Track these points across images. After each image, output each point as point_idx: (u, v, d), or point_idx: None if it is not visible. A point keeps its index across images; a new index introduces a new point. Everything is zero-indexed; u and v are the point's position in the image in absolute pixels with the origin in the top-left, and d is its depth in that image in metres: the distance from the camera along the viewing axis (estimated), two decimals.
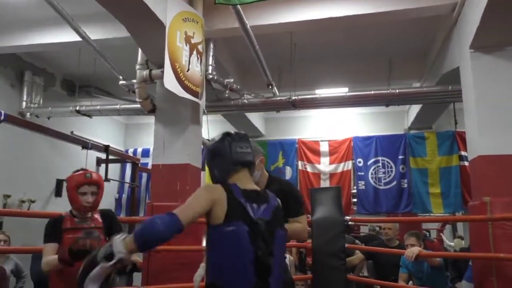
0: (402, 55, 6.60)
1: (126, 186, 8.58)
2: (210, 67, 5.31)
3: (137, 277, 4.80)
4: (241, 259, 1.70)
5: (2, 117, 5.43)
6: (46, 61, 7.08)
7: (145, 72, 4.75)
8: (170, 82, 4.02)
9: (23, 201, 6.42)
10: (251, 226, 1.73)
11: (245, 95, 6.21)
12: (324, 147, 7.73)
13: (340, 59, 6.78)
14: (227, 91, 5.70)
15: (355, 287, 4.89)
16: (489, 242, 3.61)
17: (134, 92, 5.17)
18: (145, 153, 8.88)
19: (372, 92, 6.09)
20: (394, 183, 7.01)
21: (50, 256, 2.40)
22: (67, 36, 5.32)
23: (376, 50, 6.48)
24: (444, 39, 5.20)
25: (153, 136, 4.95)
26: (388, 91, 6.01)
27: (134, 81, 5.00)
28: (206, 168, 2.17)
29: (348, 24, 5.15)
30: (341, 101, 6.35)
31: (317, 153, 7.68)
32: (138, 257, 4.64)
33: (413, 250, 3.64)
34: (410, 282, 4.13)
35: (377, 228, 7.91)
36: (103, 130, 8.79)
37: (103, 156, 7.70)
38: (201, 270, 2.47)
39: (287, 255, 5.16)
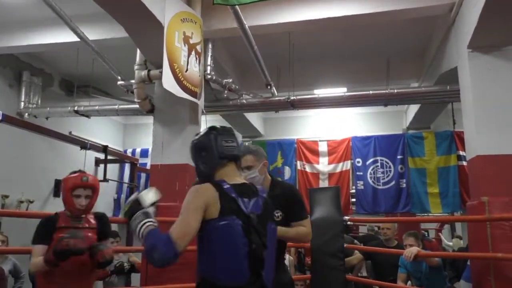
0: (400, 55, 6.61)
1: (125, 186, 8.57)
2: (209, 67, 5.31)
3: (136, 277, 4.81)
4: (235, 253, 1.69)
5: (0, 118, 5.42)
6: (44, 61, 7.07)
7: (144, 73, 4.75)
8: (168, 82, 4.02)
9: (21, 202, 6.41)
10: (244, 220, 1.73)
11: (243, 95, 6.21)
12: (322, 147, 7.73)
13: (339, 59, 6.78)
14: (226, 91, 5.69)
15: (354, 287, 4.90)
16: (487, 242, 3.61)
17: (132, 92, 5.17)
18: (144, 153, 8.87)
19: (371, 92, 6.10)
20: (393, 183, 7.02)
21: (38, 257, 2.39)
22: (65, 36, 5.32)
23: (374, 50, 6.49)
24: (442, 39, 5.21)
25: (152, 136, 4.95)
26: (387, 91, 6.02)
27: (133, 81, 5.00)
28: None
29: (346, 24, 5.15)
30: (340, 101, 6.35)
31: (316, 153, 7.68)
32: (136, 258, 4.66)
33: (411, 250, 3.64)
34: (409, 282, 4.14)
35: (376, 228, 7.91)
36: (101, 131, 8.78)
37: (101, 156, 7.69)
38: None
39: (287, 255, 5.17)
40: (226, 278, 1.68)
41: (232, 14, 4.19)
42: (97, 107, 6.81)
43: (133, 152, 9.08)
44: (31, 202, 6.52)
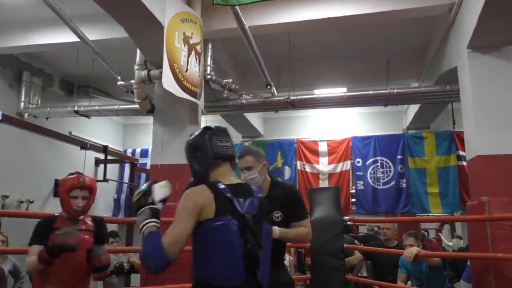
0: (400, 55, 6.62)
1: (125, 186, 8.58)
2: (209, 68, 5.31)
3: (135, 278, 4.81)
4: (231, 253, 1.68)
5: (0, 118, 5.42)
6: (44, 61, 7.07)
7: (144, 73, 4.75)
8: (168, 83, 4.02)
9: (21, 202, 6.41)
10: (240, 220, 1.72)
11: (243, 95, 6.21)
12: (322, 147, 7.73)
13: (339, 59, 6.79)
14: (226, 91, 5.69)
15: (354, 287, 4.90)
16: (487, 242, 3.61)
17: (132, 92, 5.17)
18: (144, 153, 8.88)
19: (371, 92, 6.10)
20: (393, 183, 7.02)
21: (32, 257, 2.39)
22: (65, 36, 5.32)
23: (374, 50, 6.50)
24: (442, 39, 5.21)
25: (152, 137, 4.96)
26: (387, 91, 6.02)
27: (133, 81, 5.00)
28: None
29: (346, 24, 5.15)
30: (340, 101, 6.35)
31: (316, 153, 7.68)
32: (136, 259, 4.66)
33: (411, 250, 3.64)
34: (409, 282, 4.14)
35: (376, 228, 7.92)
36: (101, 131, 8.78)
37: (101, 156, 7.69)
38: None
39: (287, 255, 5.17)
40: (222, 279, 1.68)
41: (232, 14, 4.20)
42: (97, 107, 6.81)
43: (133, 152, 9.09)
44: (31, 202, 6.52)
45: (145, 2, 3.76)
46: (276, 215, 2.46)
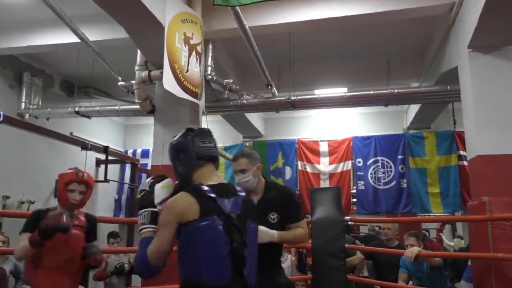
0: (401, 55, 6.62)
1: (126, 187, 8.58)
2: (209, 68, 5.31)
3: (136, 278, 4.81)
4: (217, 252, 1.69)
5: (1, 118, 5.43)
6: (44, 62, 7.08)
7: (144, 73, 4.76)
8: (169, 83, 4.02)
9: (22, 202, 6.41)
10: (225, 219, 1.73)
11: (244, 96, 6.21)
12: (323, 147, 7.73)
13: (339, 59, 6.79)
14: (226, 92, 5.70)
15: (355, 287, 4.89)
16: (488, 242, 3.61)
17: (133, 93, 5.17)
18: (145, 153, 8.87)
19: (371, 92, 6.10)
20: (394, 183, 7.01)
21: (22, 242, 2.45)
22: (66, 37, 5.33)
23: (374, 50, 6.50)
24: (442, 39, 5.21)
25: (153, 137, 4.96)
26: (387, 91, 6.02)
27: (133, 82, 5.00)
28: None
29: (346, 24, 5.16)
30: (340, 101, 6.36)
31: (317, 153, 7.68)
32: None
33: (412, 250, 3.64)
34: (410, 282, 4.13)
35: (377, 228, 7.91)
36: (102, 131, 8.79)
37: (102, 157, 7.70)
38: None
39: (288, 255, 5.17)
40: (209, 278, 1.68)
41: (232, 15, 4.20)
42: (97, 108, 6.82)
43: (134, 152, 9.09)
44: (32, 202, 6.52)
45: (145, 3, 3.76)
46: (272, 216, 2.45)
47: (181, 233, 1.71)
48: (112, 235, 5.46)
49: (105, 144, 7.73)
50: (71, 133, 7.56)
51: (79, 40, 4.95)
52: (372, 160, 7.22)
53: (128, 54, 5.03)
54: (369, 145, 7.31)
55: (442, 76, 5.47)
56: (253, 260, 1.83)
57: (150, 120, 5.74)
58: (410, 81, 7.13)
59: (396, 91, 6.00)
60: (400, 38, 6.07)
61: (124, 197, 8.63)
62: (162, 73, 4.07)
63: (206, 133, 1.95)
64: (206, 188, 1.79)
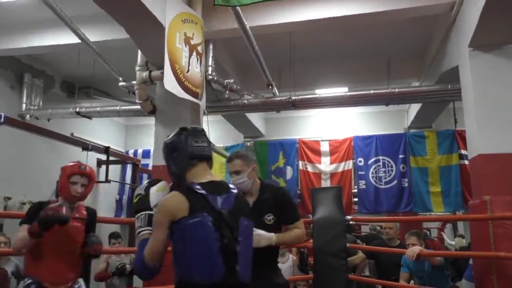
0: (401, 55, 6.61)
1: (127, 187, 8.58)
2: (210, 68, 5.31)
3: (138, 279, 4.81)
4: (208, 249, 1.70)
5: (2, 120, 5.43)
6: (45, 63, 7.09)
7: (145, 74, 4.76)
8: (170, 83, 4.02)
9: (23, 203, 6.41)
10: (215, 216, 1.74)
11: (245, 96, 6.21)
12: (324, 147, 7.73)
13: (339, 59, 6.79)
14: (227, 92, 5.70)
15: (356, 287, 4.89)
16: (489, 241, 3.61)
17: (133, 93, 5.17)
18: (146, 154, 8.88)
19: (372, 91, 6.10)
20: (395, 182, 7.01)
21: (21, 233, 2.50)
22: (66, 38, 5.33)
23: (375, 50, 6.50)
24: (442, 38, 5.21)
25: (154, 137, 4.96)
26: (388, 91, 6.02)
27: (134, 82, 5.00)
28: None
29: (346, 24, 5.16)
30: (341, 100, 6.36)
31: (318, 153, 7.68)
32: None
33: (414, 250, 3.63)
34: (412, 281, 4.13)
35: (378, 228, 7.91)
36: (103, 132, 8.79)
37: (103, 157, 7.70)
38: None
39: (290, 255, 5.17)
40: (201, 275, 1.69)
41: (232, 15, 4.20)
42: (98, 108, 6.82)
43: (135, 153, 9.09)
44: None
45: (145, 3, 3.76)
46: (267, 218, 2.45)
47: (173, 232, 1.73)
48: (113, 235, 5.47)
49: (106, 145, 7.73)
50: (72, 134, 7.57)
51: (79, 41, 4.95)
52: (373, 159, 7.22)
53: (129, 54, 5.03)
54: (370, 145, 7.31)
55: (442, 75, 5.47)
56: (247, 257, 1.83)
57: (151, 121, 5.75)
58: (411, 81, 7.13)
59: (396, 90, 6.00)
60: (400, 37, 6.06)
61: (125, 197, 8.63)
62: (163, 73, 4.07)
63: (199, 133, 1.96)
64: (197, 186, 1.80)
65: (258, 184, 2.57)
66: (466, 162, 6.26)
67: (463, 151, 6.63)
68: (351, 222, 4.53)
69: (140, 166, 8.52)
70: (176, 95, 4.12)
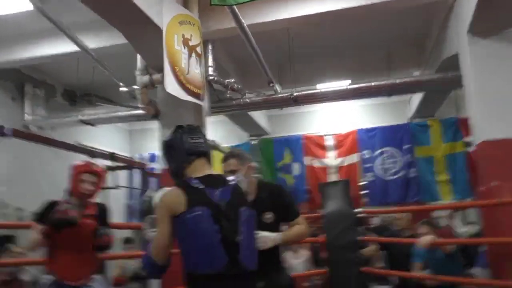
0: (401, 45, 6.58)
1: (136, 192, 8.60)
2: (210, 68, 5.31)
3: (154, 282, 4.82)
4: (208, 241, 1.75)
5: (8, 132, 5.45)
6: (45, 72, 7.11)
7: (146, 78, 4.76)
8: (171, 86, 4.02)
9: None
10: (213, 208, 1.79)
11: (246, 94, 6.21)
12: (329, 141, 7.74)
13: (339, 52, 6.75)
14: (229, 91, 5.69)
15: (370, 279, 4.87)
16: (500, 227, 3.59)
17: (135, 98, 5.18)
18: (152, 158, 8.91)
19: (373, 83, 6.07)
20: (401, 173, 7.00)
21: (34, 235, 2.66)
22: (65, 46, 5.34)
23: (375, 41, 6.46)
24: (441, 25, 5.18)
25: (159, 141, 4.97)
26: (389, 82, 5.99)
27: (135, 87, 5.01)
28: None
29: (344, 17, 5.12)
30: (343, 94, 6.34)
31: (323, 147, 7.69)
32: None
33: (426, 239, 3.62)
34: (424, 271, 4.11)
35: (389, 219, 7.88)
36: (107, 138, 8.81)
37: (111, 164, 7.72)
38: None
39: (303, 251, 5.17)
40: (204, 266, 1.74)
41: (229, 14, 4.19)
42: (101, 115, 6.85)
43: (141, 157, 9.11)
44: None
45: (142, 7, 3.76)
46: (267, 216, 2.41)
47: (175, 227, 1.78)
48: (127, 241, 5.52)
49: (112, 151, 7.74)
50: (76, 142, 7.59)
51: (78, 49, 4.96)
52: (378, 151, 7.21)
53: (128, 59, 5.04)
54: (374, 137, 7.30)
55: (443, 64, 5.44)
56: (250, 245, 1.87)
57: (154, 124, 5.75)
58: (412, 70, 7.08)
59: (398, 81, 5.97)
60: (400, 27, 6.03)
61: (135, 202, 8.66)
62: (163, 76, 4.06)
63: (195, 129, 2.02)
64: (194, 180, 1.86)
65: (255, 183, 2.53)
66: (472, 149, 6.23)
67: (467, 139, 6.59)
68: (361, 215, 4.51)
69: (147, 170, 8.53)
70: (178, 97, 4.13)
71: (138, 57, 4.80)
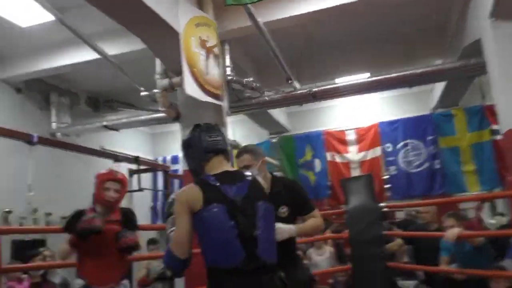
0: (420, 33, 6.44)
1: (160, 194, 8.74)
2: (228, 69, 5.33)
3: (179, 282, 4.88)
4: (225, 237, 1.78)
5: (34, 139, 5.63)
6: (69, 81, 7.28)
7: (165, 81, 4.82)
8: (191, 88, 4.06)
9: (63, 218, 6.61)
10: (229, 204, 1.82)
11: (265, 92, 6.21)
12: (351, 136, 7.66)
13: (358, 45, 6.67)
14: (247, 90, 5.71)
15: (395, 274, 4.82)
16: None
17: (156, 101, 5.25)
18: (174, 160, 9.03)
19: (393, 74, 5.98)
20: (426, 165, 6.87)
21: (63, 246, 2.83)
22: (86, 55, 5.48)
23: (393, 32, 6.35)
24: (461, 11, 5.06)
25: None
26: (410, 72, 5.89)
27: (155, 90, 5.08)
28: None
29: (361, 9, 5.06)
30: (363, 87, 6.26)
31: (345, 142, 7.61)
32: None
33: (453, 231, 3.56)
34: (453, 264, 4.03)
35: (413, 213, 7.76)
36: (131, 142, 8.98)
37: (134, 167, 7.86)
38: None
39: (326, 247, 5.15)
40: (223, 261, 1.78)
41: (244, 13, 4.21)
42: (124, 120, 6.99)
43: (164, 159, 9.25)
44: None
45: (158, 12, 3.81)
46: (282, 210, 2.42)
47: (194, 223, 1.83)
48: (151, 241, 5.60)
49: (136, 154, 7.89)
50: (101, 147, 7.76)
51: (98, 56, 5.07)
52: (401, 144, 7.10)
53: (147, 64, 5.11)
54: (396, 129, 7.19)
55: (465, 50, 5.31)
56: (268, 239, 1.89)
57: (176, 127, 5.84)
58: (433, 59, 6.94)
59: (419, 71, 5.86)
60: (418, 16, 5.91)
61: (159, 204, 8.80)
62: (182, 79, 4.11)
63: (213, 128, 2.07)
64: (211, 177, 1.90)
65: (269, 178, 2.55)
66: (499, 137, 6.07)
67: (494, 126, 6.41)
68: (385, 209, 4.46)
69: (170, 172, 8.65)
70: (197, 99, 4.17)
71: (157, 61, 4.87)
